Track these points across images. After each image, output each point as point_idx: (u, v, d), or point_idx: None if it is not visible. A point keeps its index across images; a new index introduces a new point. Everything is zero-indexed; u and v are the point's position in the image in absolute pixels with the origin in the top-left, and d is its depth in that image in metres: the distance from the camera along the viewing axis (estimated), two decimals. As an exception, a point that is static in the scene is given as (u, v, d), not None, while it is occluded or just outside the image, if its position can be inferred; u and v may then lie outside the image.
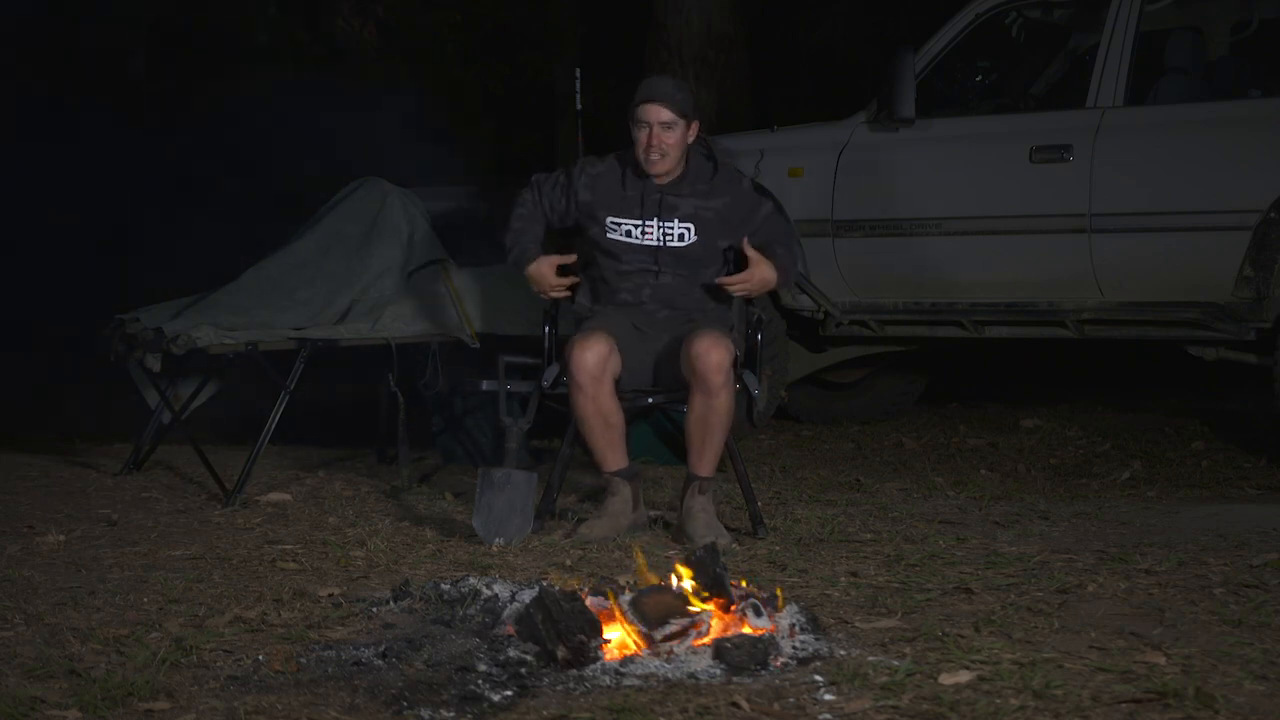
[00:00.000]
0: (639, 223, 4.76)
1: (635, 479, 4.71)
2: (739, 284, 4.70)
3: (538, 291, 4.86)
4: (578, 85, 6.54)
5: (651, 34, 9.26)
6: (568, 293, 4.85)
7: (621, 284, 4.79)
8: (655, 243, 4.76)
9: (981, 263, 6.22)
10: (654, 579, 3.33)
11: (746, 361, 4.78)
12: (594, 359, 4.53)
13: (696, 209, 4.77)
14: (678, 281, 4.78)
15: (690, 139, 4.77)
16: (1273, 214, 5.60)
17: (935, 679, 2.94)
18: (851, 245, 6.46)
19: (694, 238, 4.76)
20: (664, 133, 4.68)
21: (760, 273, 4.70)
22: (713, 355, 4.46)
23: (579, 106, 6.54)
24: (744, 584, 3.37)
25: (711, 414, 4.54)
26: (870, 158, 6.43)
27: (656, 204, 4.75)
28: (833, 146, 6.50)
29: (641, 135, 4.70)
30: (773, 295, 6.50)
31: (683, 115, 4.70)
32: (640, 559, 3.43)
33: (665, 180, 4.77)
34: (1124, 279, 5.95)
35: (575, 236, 5.04)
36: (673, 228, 4.76)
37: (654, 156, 4.69)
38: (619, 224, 4.77)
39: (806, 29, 11.52)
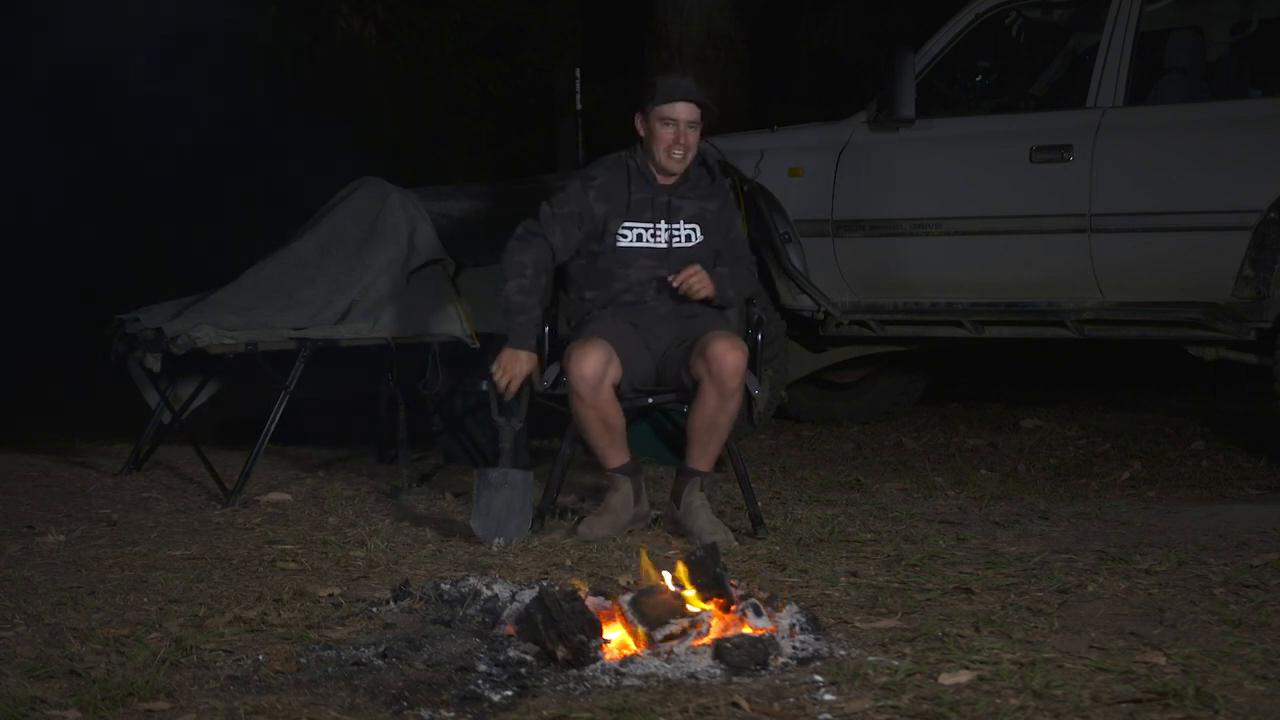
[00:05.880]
0: (649, 226, 4.81)
1: (637, 474, 4.73)
2: (685, 279, 4.68)
3: (498, 374, 4.61)
4: (578, 85, 6.55)
5: (651, 34, 9.27)
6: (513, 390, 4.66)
7: (629, 288, 4.82)
8: (664, 245, 4.80)
9: (981, 263, 6.22)
10: (658, 579, 3.33)
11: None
12: (592, 368, 4.54)
13: (700, 210, 4.85)
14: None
15: None
16: (1273, 214, 5.60)
17: (935, 679, 2.94)
18: (851, 245, 6.45)
19: (699, 238, 4.83)
20: (690, 131, 4.76)
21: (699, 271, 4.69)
22: (730, 359, 4.50)
23: (579, 106, 6.54)
24: (754, 586, 3.37)
25: (722, 415, 4.57)
26: (870, 158, 6.43)
27: (665, 206, 4.81)
28: (833, 146, 6.50)
29: (668, 133, 4.74)
30: (773, 295, 6.52)
31: (704, 116, 4.80)
32: (646, 562, 3.43)
33: (670, 181, 4.82)
34: (1124, 279, 5.95)
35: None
36: (679, 229, 4.82)
37: (677, 154, 4.75)
38: (631, 229, 4.81)
39: (806, 29, 11.51)
